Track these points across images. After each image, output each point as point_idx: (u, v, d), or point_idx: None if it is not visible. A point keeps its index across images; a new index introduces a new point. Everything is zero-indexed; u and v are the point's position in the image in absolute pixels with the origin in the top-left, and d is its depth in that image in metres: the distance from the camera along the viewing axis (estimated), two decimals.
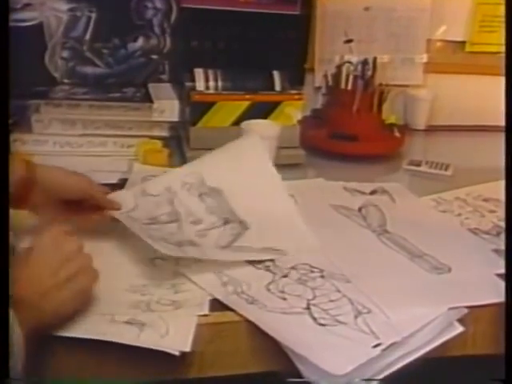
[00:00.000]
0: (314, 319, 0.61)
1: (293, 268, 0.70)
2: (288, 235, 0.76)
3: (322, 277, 0.69)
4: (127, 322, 0.57)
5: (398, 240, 0.79)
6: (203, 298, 0.63)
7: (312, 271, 0.70)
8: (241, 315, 0.61)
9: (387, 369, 0.57)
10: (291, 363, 0.61)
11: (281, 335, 0.58)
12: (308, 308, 0.63)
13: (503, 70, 1.29)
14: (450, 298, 0.65)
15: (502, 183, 0.98)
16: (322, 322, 0.61)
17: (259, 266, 0.70)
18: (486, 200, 0.93)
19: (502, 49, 1.36)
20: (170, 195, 0.78)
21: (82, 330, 0.56)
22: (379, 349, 0.57)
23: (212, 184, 0.80)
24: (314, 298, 0.65)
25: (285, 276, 0.69)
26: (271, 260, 0.71)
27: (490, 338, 0.66)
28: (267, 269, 0.70)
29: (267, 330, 0.59)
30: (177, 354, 0.54)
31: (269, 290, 0.66)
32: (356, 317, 0.62)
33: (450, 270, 0.72)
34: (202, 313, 0.61)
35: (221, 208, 0.78)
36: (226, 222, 0.77)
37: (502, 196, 0.92)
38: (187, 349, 0.55)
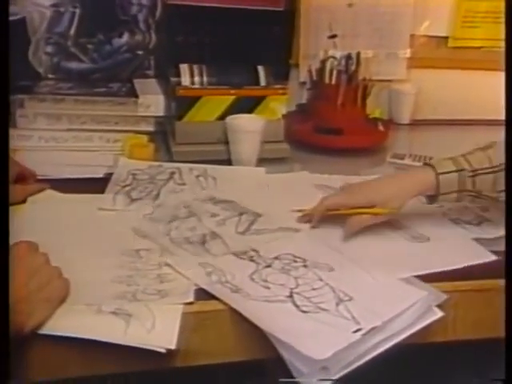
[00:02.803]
0: (297, 307, 0.62)
1: (276, 258, 0.71)
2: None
3: (305, 266, 0.70)
4: (113, 313, 0.58)
5: None
6: (189, 286, 0.64)
7: (295, 261, 0.71)
8: (225, 304, 0.62)
9: (368, 354, 0.58)
10: (276, 351, 0.62)
11: (264, 322, 0.59)
12: (291, 296, 0.64)
13: (489, 65, 1.33)
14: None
15: None
16: (305, 309, 0.62)
17: (243, 256, 0.71)
18: None
19: (485, 44, 1.39)
20: (186, 204, 0.85)
21: (68, 323, 0.56)
22: (359, 334, 0.58)
23: (223, 197, 0.88)
24: (297, 286, 0.65)
25: (268, 266, 0.69)
26: (255, 250, 0.73)
27: (471, 323, 0.67)
28: (251, 259, 0.71)
29: (250, 318, 0.60)
30: (163, 351, 0.55)
31: (252, 279, 0.67)
32: (337, 304, 0.63)
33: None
34: (188, 300, 0.61)
35: (233, 207, 0.85)
36: (241, 213, 0.83)
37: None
38: (172, 346, 0.56)
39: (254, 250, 0.73)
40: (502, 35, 1.36)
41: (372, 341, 0.58)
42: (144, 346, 0.55)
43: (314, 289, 0.65)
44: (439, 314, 0.63)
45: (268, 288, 0.65)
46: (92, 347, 0.57)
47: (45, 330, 0.56)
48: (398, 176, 0.83)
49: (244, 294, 0.64)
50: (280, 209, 0.84)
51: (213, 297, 0.63)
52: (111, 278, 0.65)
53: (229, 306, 0.62)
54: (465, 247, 0.77)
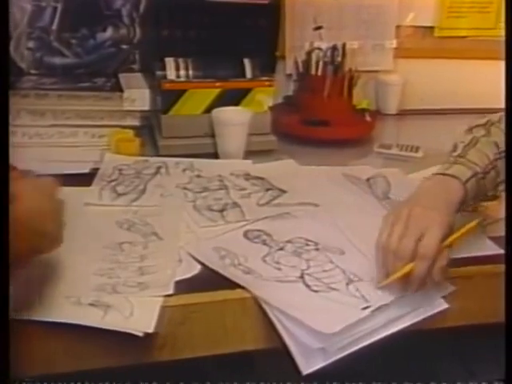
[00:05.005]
0: (308, 286, 0.64)
1: (288, 241, 0.73)
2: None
3: (317, 249, 0.71)
4: (92, 304, 0.58)
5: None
6: (169, 279, 0.64)
7: (307, 244, 0.72)
8: (211, 296, 0.62)
9: (375, 333, 0.59)
10: (262, 343, 0.63)
11: (274, 300, 0.60)
12: (302, 277, 0.65)
13: (476, 54, 1.32)
14: None
15: None
16: (315, 288, 0.63)
17: (256, 240, 0.73)
18: None
19: (471, 33, 1.40)
20: (220, 178, 0.91)
21: (46, 313, 0.56)
22: (368, 310, 0.59)
23: (256, 174, 0.93)
24: (308, 268, 0.67)
25: (280, 249, 0.71)
26: (268, 234, 0.74)
27: (468, 310, 0.67)
28: (264, 243, 0.73)
29: (262, 296, 0.61)
30: (140, 334, 0.54)
31: (265, 261, 0.68)
32: (348, 284, 0.64)
33: None
34: (167, 293, 0.61)
35: (263, 184, 0.90)
36: (268, 189, 0.88)
37: None
38: (150, 330, 0.55)
39: (266, 234, 0.74)
40: (488, 24, 1.38)
41: (380, 318, 0.60)
42: (121, 329, 0.54)
43: (324, 270, 0.67)
44: (445, 305, 0.64)
45: (280, 269, 0.67)
46: (78, 342, 0.57)
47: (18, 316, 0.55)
48: (435, 188, 0.68)
49: (256, 275, 0.65)
50: (307, 187, 0.88)
51: (197, 289, 0.63)
52: (93, 270, 0.65)
53: (215, 299, 0.62)
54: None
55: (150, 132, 1.07)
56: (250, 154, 1.01)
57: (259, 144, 1.03)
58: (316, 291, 0.63)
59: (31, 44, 1.07)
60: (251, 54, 1.07)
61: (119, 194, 0.85)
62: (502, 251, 0.69)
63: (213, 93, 1.02)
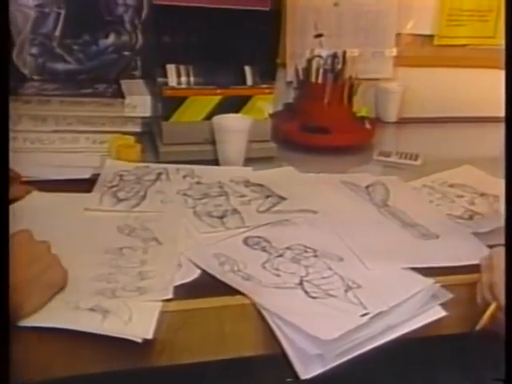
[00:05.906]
0: (306, 293, 0.64)
1: (288, 248, 0.73)
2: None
3: (316, 256, 0.72)
4: (91, 309, 0.58)
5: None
6: (168, 283, 0.64)
7: (306, 251, 0.73)
8: (209, 302, 0.62)
9: (374, 340, 0.60)
10: (261, 349, 0.63)
11: (273, 306, 0.61)
12: (301, 283, 0.66)
13: (475, 62, 1.33)
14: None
15: (465, 168, 1.02)
16: (314, 295, 0.64)
17: (256, 246, 0.74)
18: (451, 186, 0.95)
19: (470, 41, 1.41)
20: (220, 184, 0.92)
21: (45, 318, 0.56)
22: (367, 317, 0.60)
23: (255, 181, 0.94)
24: (307, 274, 0.68)
25: (280, 256, 0.72)
26: (267, 241, 0.75)
27: (464, 317, 0.67)
28: (263, 249, 0.73)
29: (261, 302, 0.62)
30: (139, 341, 0.55)
31: (264, 267, 0.69)
32: (346, 291, 0.65)
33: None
34: (166, 297, 0.61)
35: (263, 190, 0.91)
36: (267, 196, 0.89)
37: (467, 181, 0.96)
38: (149, 336, 0.55)
39: (266, 241, 0.75)
40: (487, 33, 1.39)
41: (378, 324, 0.60)
42: (120, 335, 0.55)
43: (323, 277, 0.67)
44: (443, 312, 0.64)
45: (279, 276, 0.67)
46: (77, 347, 0.58)
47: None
48: None
49: (255, 281, 0.66)
50: (306, 194, 0.89)
51: (196, 295, 0.63)
52: (93, 275, 0.65)
53: (215, 305, 0.62)
54: (469, 245, 0.77)
55: (150, 138, 1.08)
56: (250, 160, 1.01)
57: (259, 151, 1.03)
58: (315, 298, 0.63)
59: (34, 50, 1.08)
60: (252, 61, 1.08)
61: (120, 200, 0.85)
62: None
63: (213, 100, 1.03)
